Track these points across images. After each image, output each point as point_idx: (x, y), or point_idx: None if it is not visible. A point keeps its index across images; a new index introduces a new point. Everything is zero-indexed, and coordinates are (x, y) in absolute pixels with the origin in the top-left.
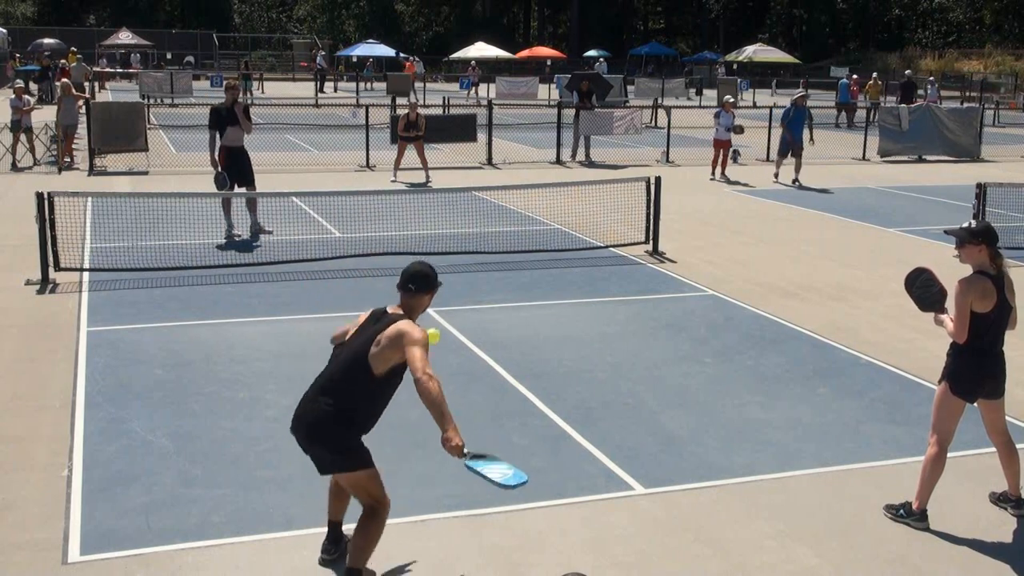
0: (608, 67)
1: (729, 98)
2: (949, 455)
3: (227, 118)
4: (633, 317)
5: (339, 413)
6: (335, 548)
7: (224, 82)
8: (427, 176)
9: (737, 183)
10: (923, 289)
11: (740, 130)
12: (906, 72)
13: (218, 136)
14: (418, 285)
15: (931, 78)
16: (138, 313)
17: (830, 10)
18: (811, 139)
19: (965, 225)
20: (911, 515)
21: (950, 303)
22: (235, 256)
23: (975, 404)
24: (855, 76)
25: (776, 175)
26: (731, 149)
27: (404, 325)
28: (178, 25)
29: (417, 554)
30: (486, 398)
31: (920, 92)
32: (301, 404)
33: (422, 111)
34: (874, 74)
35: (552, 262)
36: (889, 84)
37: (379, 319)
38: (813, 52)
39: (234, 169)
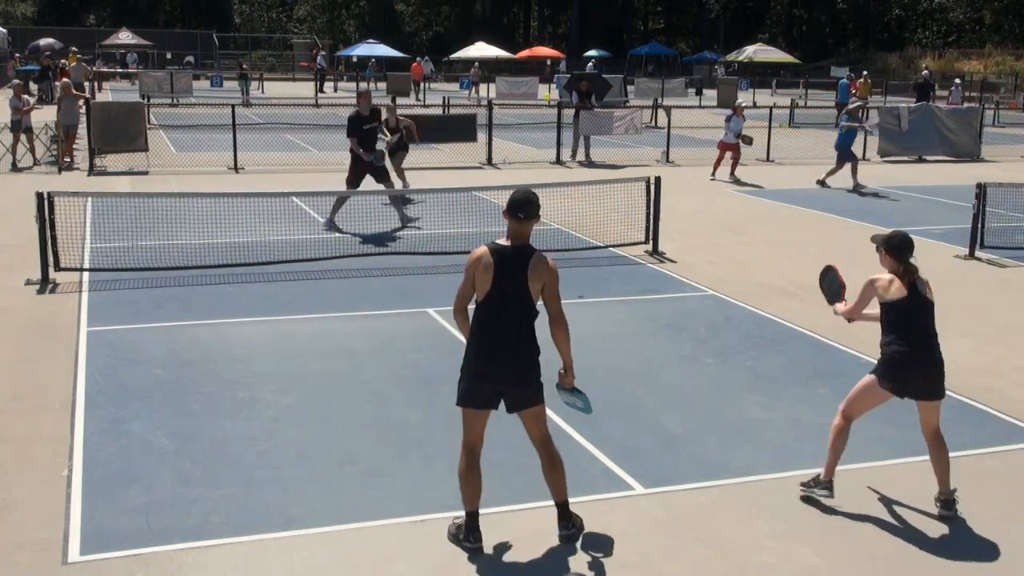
0: (595, 67)
1: (742, 102)
2: (949, 455)
3: (368, 123)
4: (633, 317)
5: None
6: (571, 524)
7: (359, 91)
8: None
9: (737, 183)
10: (829, 284)
11: (748, 141)
12: (923, 73)
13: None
14: (527, 212)
15: (956, 80)
16: (138, 313)
17: (830, 10)
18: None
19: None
20: (819, 484)
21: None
22: (235, 256)
23: (911, 400)
24: (854, 76)
25: (825, 182)
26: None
27: (552, 262)
28: (178, 25)
29: (417, 554)
30: None
31: (943, 94)
32: (498, 356)
33: (422, 111)
34: (864, 72)
35: None
36: (889, 84)
37: (516, 258)
38: (813, 52)
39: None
